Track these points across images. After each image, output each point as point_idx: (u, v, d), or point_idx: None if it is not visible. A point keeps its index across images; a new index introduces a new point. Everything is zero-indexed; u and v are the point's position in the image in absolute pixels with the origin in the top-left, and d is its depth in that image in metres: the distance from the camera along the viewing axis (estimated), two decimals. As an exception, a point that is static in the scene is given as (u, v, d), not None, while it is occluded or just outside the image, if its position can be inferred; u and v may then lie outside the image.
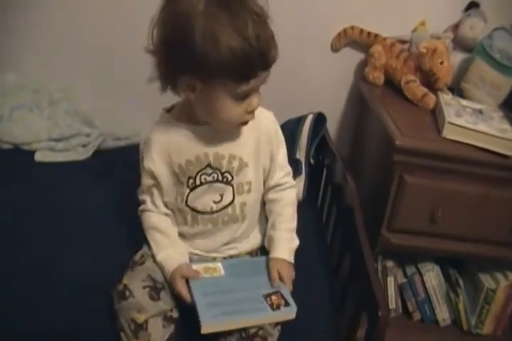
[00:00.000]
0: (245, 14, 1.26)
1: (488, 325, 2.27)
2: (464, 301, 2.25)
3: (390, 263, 2.24)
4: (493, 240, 2.06)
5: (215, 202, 1.56)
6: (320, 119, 2.27)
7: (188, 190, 1.53)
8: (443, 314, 2.27)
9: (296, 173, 2.17)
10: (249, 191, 1.58)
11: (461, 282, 2.25)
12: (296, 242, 1.63)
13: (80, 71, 2.45)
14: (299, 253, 1.62)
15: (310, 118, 2.24)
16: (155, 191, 1.57)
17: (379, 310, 1.43)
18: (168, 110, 1.56)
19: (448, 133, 1.95)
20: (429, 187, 1.97)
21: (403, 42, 2.40)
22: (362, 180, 2.21)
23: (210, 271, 1.54)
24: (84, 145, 2.31)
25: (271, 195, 1.66)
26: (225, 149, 1.51)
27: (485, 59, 2.15)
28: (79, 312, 1.50)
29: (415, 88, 2.21)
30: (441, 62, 2.18)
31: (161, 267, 1.51)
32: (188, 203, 1.55)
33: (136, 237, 1.65)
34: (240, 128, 1.51)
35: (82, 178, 2.11)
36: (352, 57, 2.50)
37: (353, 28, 2.41)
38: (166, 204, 1.59)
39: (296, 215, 1.68)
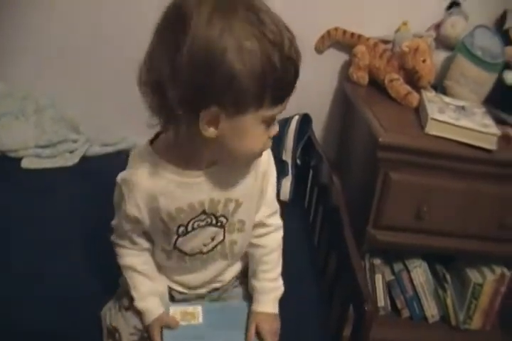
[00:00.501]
0: (279, 25, 1.07)
1: (476, 320, 2.25)
2: (451, 297, 2.23)
3: (377, 261, 2.23)
4: (479, 235, 2.05)
5: (205, 245, 1.41)
6: (305, 120, 2.27)
7: (176, 236, 1.36)
8: (431, 310, 2.26)
9: (282, 175, 2.17)
10: (241, 230, 1.42)
11: (448, 277, 2.23)
12: (281, 289, 1.51)
13: (67, 78, 2.44)
14: (286, 253, 1.55)
15: (296, 119, 2.24)
16: (135, 233, 1.40)
17: (365, 304, 1.43)
18: (152, 141, 1.32)
19: (431, 129, 1.94)
20: (413, 184, 1.96)
21: (386, 42, 2.39)
22: (349, 180, 2.20)
23: (188, 317, 1.46)
24: (71, 152, 2.30)
25: (254, 240, 1.50)
26: (222, 193, 1.33)
27: (466, 56, 2.14)
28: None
29: (399, 86, 2.20)
30: (424, 60, 2.17)
31: (140, 313, 1.43)
32: (176, 246, 1.39)
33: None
34: (253, 162, 1.34)
35: (70, 184, 2.11)
36: (336, 58, 2.49)
37: (336, 29, 2.40)
38: (147, 238, 1.43)
39: (281, 259, 1.54)
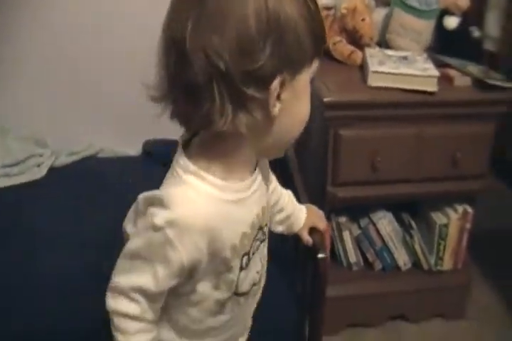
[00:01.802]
0: None
1: (447, 260, 2.25)
2: (419, 242, 2.23)
3: (342, 219, 2.23)
4: (436, 177, 2.08)
5: (257, 272, 1.19)
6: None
7: (238, 272, 1.11)
8: (403, 258, 2.26)
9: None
10: (264, 236, 1.21)
11: (413, 224, 2.24)
12: None
13: (26, 94, 2.45)
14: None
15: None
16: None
17: (318, 252, 1.48)
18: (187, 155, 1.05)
19: (373, 81, 1.98)
20: (364, 137, 1.99)
21: (329, 8, 2.41)
22: (308, 147, 2.22)
23: None
24: (38, 165, 2.33)
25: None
26: (265, 197, 1.17)
27: (402, 8, 2.16)
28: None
29: (342, 48, 2.22)
30: (363, 19, 2.19)
31: None
32: (238, 286, 1.13)
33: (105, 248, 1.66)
34: None
35: (42, 196, 2.12)
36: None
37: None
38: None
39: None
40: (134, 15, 2.25)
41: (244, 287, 1.14)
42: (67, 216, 1.97)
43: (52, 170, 2.30)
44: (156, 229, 0.98)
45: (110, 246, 1.71)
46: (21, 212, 2.03)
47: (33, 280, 1.69)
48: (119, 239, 1.76)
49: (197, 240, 0.99)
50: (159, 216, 0.97)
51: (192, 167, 1.01)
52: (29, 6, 2.28)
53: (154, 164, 2.18)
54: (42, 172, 2.28)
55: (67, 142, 2.41)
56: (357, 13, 2.19)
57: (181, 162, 1.03)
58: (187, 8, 0.91)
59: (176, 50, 0.93)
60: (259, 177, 1.12)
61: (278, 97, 0.95)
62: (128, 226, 1.16)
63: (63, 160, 2.37)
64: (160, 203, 0.99)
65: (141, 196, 1.05)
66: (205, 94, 0.92)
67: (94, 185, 2.12)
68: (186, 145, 1.07)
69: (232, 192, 1.03)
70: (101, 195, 2.06)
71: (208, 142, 1.03)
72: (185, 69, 0.92)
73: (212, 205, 1.00)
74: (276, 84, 0.93)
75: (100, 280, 1.42)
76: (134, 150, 2.45)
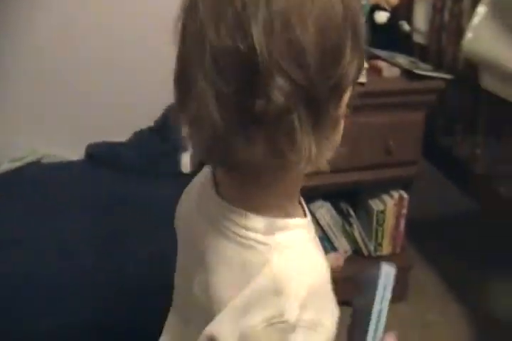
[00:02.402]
0: None
1: (386, 245, 2.31)
2: (358, 229, 2.29)
3: (281, 210, 2.24)
4: (370, 165, 2.13)
5: None
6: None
7: None
8: (343, 246, 2.31)
9: (184, 150, 2.23)
10: None
11: (351, 211, 2.29)
12: None
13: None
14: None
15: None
16: None
17: None
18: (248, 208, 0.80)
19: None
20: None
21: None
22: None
23: None
24: (-22, 175, 2.31)
25: None
26: None
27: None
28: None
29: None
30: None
31: None
32: None
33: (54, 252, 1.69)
34: None
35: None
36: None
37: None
38: None
39: None
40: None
41: None
42: (15, 222, 1.95)
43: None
44: (292, 326, 0.73)
45: (59, 250, 1.75)
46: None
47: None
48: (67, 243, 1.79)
49: (330, 297, 0.81)
50: (288, 311, 0.73)
51: (278, 222, 0.79)
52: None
53: (98, 167, 2.20)
54: (-17, 180, 2.26)
55: (9, 148, 2.39)
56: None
57: (257, 224, 0.78)
58: (244, 8, 0.66)
59: (240, 69, 0.68)
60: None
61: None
62: None
63: (6, 166, 2.35)
64: (274, 295, 0.74)
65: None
66: (281, 125, 0.70)
67: (39, 191, 2.11)
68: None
69: (311, 223, 0.87)
70: (46, 201, 2.05)
71: (260, 175, 0.78)
72: (254, 94, 0.67)
73: (315, 248, 0.82)
74: (348, 94, 0.76)
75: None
76: (78, 154, 2.42)
